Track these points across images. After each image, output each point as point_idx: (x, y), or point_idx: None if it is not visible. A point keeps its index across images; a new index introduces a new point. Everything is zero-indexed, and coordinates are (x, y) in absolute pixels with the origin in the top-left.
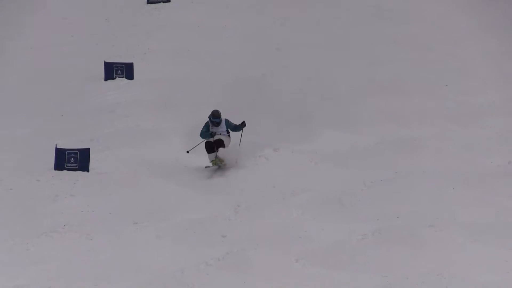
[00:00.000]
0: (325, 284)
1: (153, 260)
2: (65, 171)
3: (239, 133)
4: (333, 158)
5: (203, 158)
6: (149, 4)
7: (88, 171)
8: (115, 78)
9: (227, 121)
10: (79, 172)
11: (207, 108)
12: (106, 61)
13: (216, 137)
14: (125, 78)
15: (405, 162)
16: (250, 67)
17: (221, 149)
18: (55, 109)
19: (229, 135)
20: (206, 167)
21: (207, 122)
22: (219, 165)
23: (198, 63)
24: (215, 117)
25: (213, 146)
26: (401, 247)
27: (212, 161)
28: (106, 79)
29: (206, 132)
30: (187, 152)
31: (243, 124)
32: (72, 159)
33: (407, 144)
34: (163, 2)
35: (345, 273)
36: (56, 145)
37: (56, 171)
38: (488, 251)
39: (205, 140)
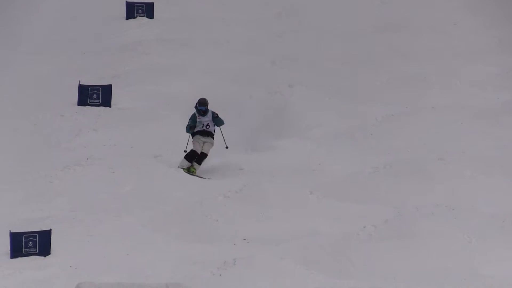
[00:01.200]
0: (338, 215)
1: (172, 192)
2: (88, 107)
3: (223, 135)
4: (346, 94)
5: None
6: None
7: (110, 106)
8: (136, 17)
9: (213, 112)
10: (101, 108)
11: (226, 44)
12: (127, 0)
13: (204, 147)
14: (146, 17)
15: (415, 98)
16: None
17: (198, 164)
18: (78, 47)
19: (212, 137)
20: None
21: (194, 113)
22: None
23: (218, 1)
24: (201, 104)
25: (194, 157)
26: (411, 180)
27: (182, 168)
28: (127, 18)
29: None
30: (185, 151)
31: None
32: (95, 95)
33: (417, 80)
34: None
35: (357, 204)
36: (79, 81)
37: (79, 106)
38: (496, 183)
39: (191, 149)
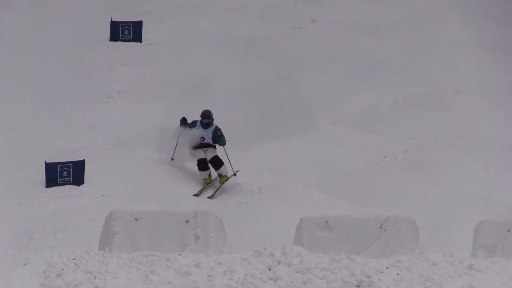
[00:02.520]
0: (359, 145)
1: None
2: (119, 42)
3: (228, 158)
4: (366, 29)
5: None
6: None
7: (140, 41)
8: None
9: (216, 130)
10: (132, 43)
11: None
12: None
13: (207, 154)
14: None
15: (433, 33)
16: None
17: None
18: None
19: (214, 147)
20: (194, 195)
21: (196, 121)
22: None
23: None
24: (205, 117)
25: (206, 163)
26: (429, 111)
27: (205, 179)
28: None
29: (187, 126)
30: (172, 159)
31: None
32: (126, 31)
33: (435, 15)
34: None
35: (378, 135)
36: (111, 18)
37: (111, 42)
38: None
39: (198, 158)
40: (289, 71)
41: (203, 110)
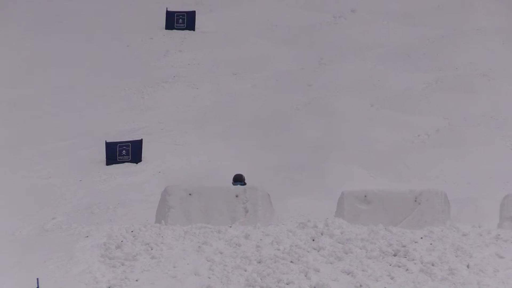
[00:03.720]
0: (395, 125)
1: (248, 105)
2: (174, 30)
3: None
4: (401, 18)
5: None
6: None
7: (194, 30)
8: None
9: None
10: (186, 31)
11: None
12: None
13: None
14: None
15: (462, 21)
16: None
17: None
18: None
19: None
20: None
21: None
22: None
23: None
24: (236, 180)
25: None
26: (459, 94)
27: None
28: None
29: None
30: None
31: None
32: (181, 20)
33: (464, 4)
34: None
35: (412, 115)
36: (166, 8)
37: (167, 30)
38: None
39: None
40: (331, 56)
41: (234, 174)
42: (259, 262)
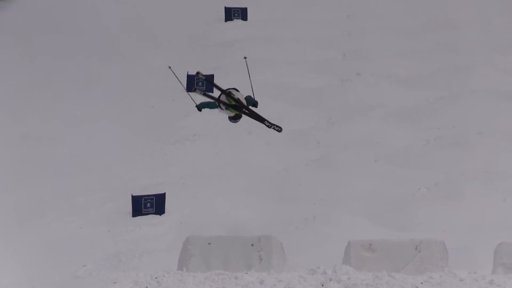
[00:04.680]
0: (397, 179)
1: (263, 161)
2: (194, 93)
3: None
4: (403, 81)
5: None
6: None
7: (212, 92)
8: (233, 20)
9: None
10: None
11: (306, 40)
12: (226, 6)
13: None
14: (241, 19)
15: (459, 84)
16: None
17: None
18: (187, 44)
19: None
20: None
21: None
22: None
23: (300, 5)
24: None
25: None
26: (456, 150)
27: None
28: (226, 20)
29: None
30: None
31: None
32: (200, 83)
33: (460, 69)
34: None
35: (413, 170)
36: (187, 72)
37: (188, 92)
38: None
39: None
40: (338, 116)
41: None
42: None
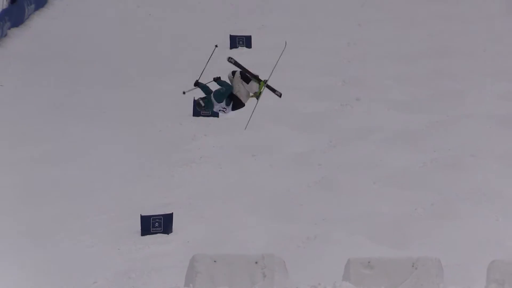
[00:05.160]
0: (395, 199)
1: (266, 183)
2: (200, 117)
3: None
4: (401, 105)
5: (301, 107)
6: None
7: (218, 117)
8: (237, 47)
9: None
10: (211, 118)
11: (308, 67)
12: (231, 34)
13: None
14: (245, 47)
15: (454, 108)
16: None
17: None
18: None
19: None
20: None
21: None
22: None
23: (301, 34)
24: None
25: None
26: (451, 172)
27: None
28: (231, 48)
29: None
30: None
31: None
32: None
33: (455, 94)
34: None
35: (410, 191)
36: (194, 97)
37: (194, 117)
38: None
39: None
40: (338, 139)
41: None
42: None
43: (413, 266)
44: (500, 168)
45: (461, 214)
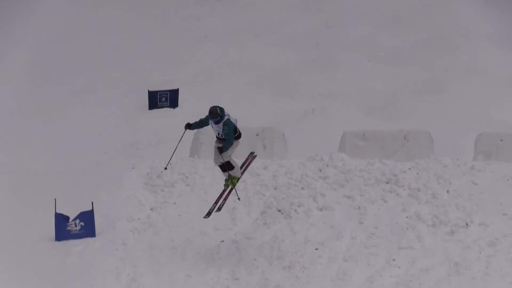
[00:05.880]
0: (388, 76)
1: (266, 61)
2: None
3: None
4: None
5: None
6: None
7: None
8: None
9: (224, 125)
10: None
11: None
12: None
13: (225, 157)
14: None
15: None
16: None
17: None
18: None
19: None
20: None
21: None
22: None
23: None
24: (211, 115)
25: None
26: (442, 51)
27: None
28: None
29: (193, 127)
30: (165, 168)
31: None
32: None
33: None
34: None
35: (402, 69)
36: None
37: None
38: (506, 53)
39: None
40: (335, 21)
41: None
42: (275, 189)
43: (405, 138)
44: (488, 47)
45: (451, 90)
